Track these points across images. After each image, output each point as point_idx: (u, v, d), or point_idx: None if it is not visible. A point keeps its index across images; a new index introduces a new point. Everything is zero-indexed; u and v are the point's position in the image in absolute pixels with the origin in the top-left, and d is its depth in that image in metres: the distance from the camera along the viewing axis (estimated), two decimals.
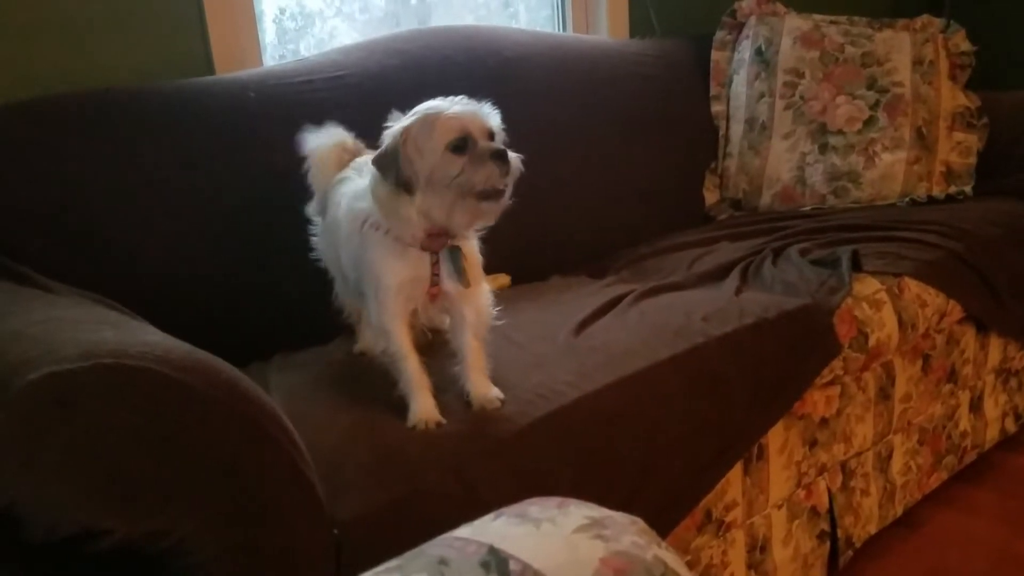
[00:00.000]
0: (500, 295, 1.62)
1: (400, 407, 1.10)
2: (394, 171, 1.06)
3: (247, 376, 0.84)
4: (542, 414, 1.07)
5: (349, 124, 1.63)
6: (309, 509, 0.84)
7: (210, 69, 1.66)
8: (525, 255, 1.76)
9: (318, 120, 1.61)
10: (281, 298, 1.48)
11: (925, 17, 2.18)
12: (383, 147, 1.09)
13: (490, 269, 1.69)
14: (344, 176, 1.26)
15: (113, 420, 0.72)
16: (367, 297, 1.15)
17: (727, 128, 2.18)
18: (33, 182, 1.33)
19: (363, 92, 1.63)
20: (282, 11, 1.87)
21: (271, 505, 0.81)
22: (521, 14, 2.28)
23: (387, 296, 1.11)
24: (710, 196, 2.17)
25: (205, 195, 1.46)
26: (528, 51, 1.91)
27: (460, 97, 1.09)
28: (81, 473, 0.71)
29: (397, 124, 1.09)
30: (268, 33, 1.86)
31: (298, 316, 1.48)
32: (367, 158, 1.21)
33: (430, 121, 1.05)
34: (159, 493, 0.74)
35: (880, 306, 1.50)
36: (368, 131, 1.60)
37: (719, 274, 1.60)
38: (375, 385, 1.17)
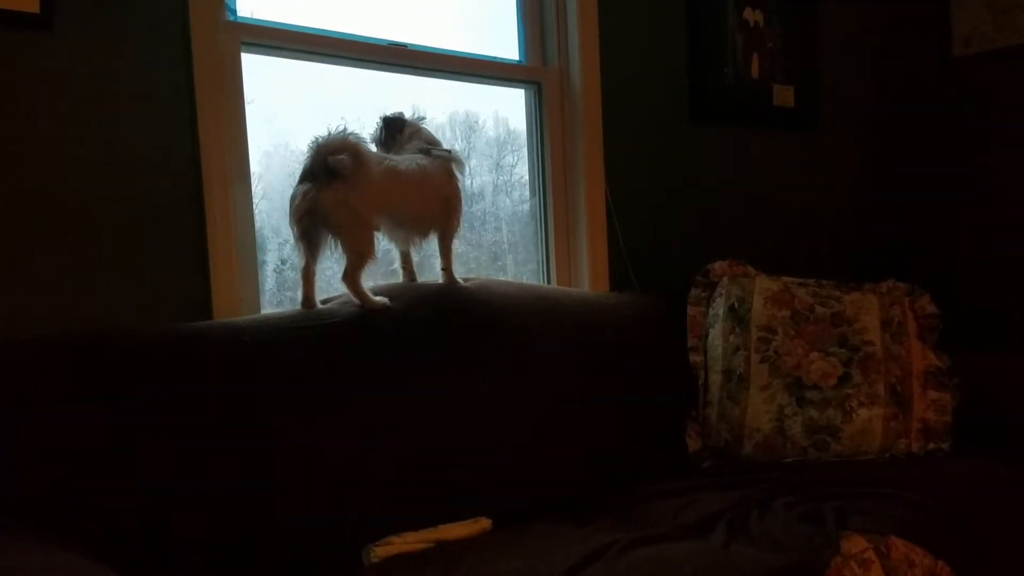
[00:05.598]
0: (481, 540, 1.58)
1: None
2: None
3: None
4: None
5: (330, 371, 1.67)
6: None
7: (208, 314, 1.73)
8: (506, 498, 1.74)
9: (305, 364, 1.65)
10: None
11: (890, 282, 2.31)
12: None
13: (471, 513, 1.67)
14: None
15: None
16: None
17: (706, 377, 2.23)
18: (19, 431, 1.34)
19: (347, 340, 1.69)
20: (283, 262, 1.98)
21: None
22: (509, 267, 2.41)
23: None
24: (692, 443, 2.18)
25: (198, 442, 1.46)
26: (516, 300, 2.00)
27: None
28: None
29: None
30: (268, 281, 1.95)
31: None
32: None
33: None
34: None
35: (869, 566, 1.46)
36: (355, 378, 1.65)
37: (704, 525, 1.58)
38: None
